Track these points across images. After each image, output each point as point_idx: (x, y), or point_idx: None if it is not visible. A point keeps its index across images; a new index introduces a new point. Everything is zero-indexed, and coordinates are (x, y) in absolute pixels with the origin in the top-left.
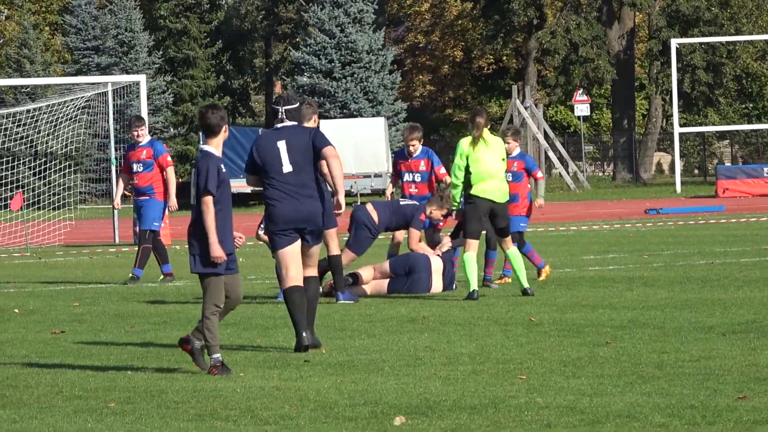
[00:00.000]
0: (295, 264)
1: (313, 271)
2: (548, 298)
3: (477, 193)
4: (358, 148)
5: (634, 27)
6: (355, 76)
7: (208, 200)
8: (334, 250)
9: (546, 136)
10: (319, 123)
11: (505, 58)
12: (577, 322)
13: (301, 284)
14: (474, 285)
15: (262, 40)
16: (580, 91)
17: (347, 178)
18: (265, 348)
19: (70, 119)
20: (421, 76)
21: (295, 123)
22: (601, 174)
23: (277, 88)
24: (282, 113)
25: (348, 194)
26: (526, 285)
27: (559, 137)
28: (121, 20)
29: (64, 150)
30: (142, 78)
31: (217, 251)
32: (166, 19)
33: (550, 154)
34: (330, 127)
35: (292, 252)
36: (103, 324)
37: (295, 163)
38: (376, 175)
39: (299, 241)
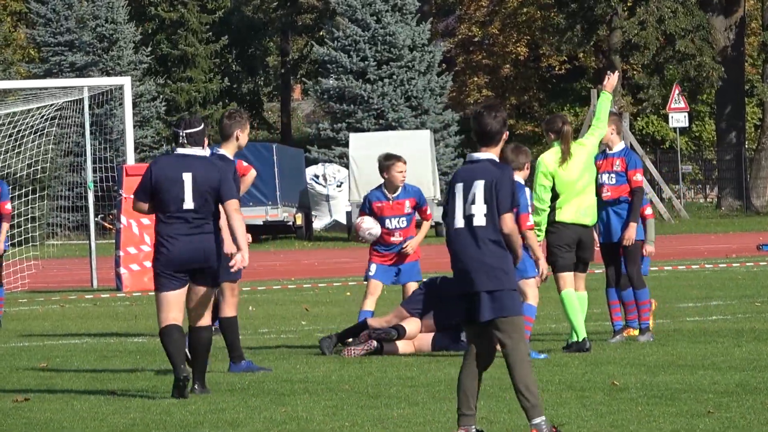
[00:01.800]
0: (178, 309)
1: (206, 321)
2: (635, 356)
3: (563, 219)
4: None
5: (744, 16)
6: (395, 77)
7: None
8: (228, 311)
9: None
10: (237, 139)
11: (581, 55)
12: (671, 387)
13: (180, 324)
14: (582, 331)
15: (278, 34)
16: (676, 95)
17: None
18: (281, 421)
19: (35, 132)
20: (476, 78)
21: (199, 149)
22: (702, 200)
23: (296, 94)
24: (183, 137)
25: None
26: (583, 334)
27: (651, 154)
28: (101, 9)
29: (27, 171)
30: (126, 81)
31: None
32: (158, 8)
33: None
34: (362, 142)
35: (176, 297)
36: (77, 390)
37: (198, 201)
38: None
39: (186, 287)
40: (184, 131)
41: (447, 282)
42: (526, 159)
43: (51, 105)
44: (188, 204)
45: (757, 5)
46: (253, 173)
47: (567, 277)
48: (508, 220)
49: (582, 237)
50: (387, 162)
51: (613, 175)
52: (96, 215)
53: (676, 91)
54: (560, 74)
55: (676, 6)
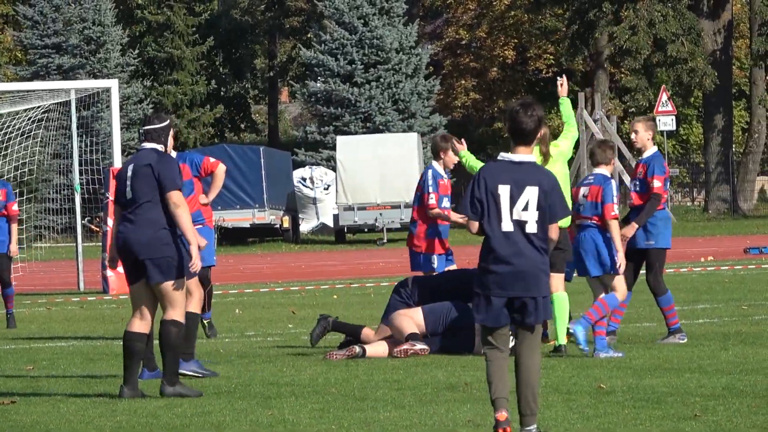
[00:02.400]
0: (139, 308)
1: (169, 315)
2: (621, 359)
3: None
4: (385, 171)
5: (731, 20)
6: (382, 80)
7: None
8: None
9: (620, 155)
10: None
11: (563, 58)
12: (657, 390)
13: (142, 332)
14: (562, 337)
15: (265, 37)
16: (664, 98)
17: (371, 209)
18: (268, 424)
19: (22, 135)
20: (463, 81)
21: (154, 145)
22: (689, 203)
23: (284, 97)
24: (142, 133)
25: (372, 229)
26: (562, 341)
27: (638, 158)
28: (89, 11)
29: (14, 173)
30: (113, 83)
31: None
32: (145, 10)
33: (626, 178)
34: (350, 145)
35: (135, 292)
36: (63, 391)
37: (135, 191)
38: (407, 206)
39: (143, 281)
40: (143, 127)
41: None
42: (612, 154)
43: (38, 107)
44: (129, 194)
45: (744, 8)
46: (222, 167)
47: (559, 278)
48: (556, 228)
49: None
50: (445, 143)
51: (637, 182)
52: (83, 218)
53: (664, 95)
54: (547, 77)
55: (666, 10)
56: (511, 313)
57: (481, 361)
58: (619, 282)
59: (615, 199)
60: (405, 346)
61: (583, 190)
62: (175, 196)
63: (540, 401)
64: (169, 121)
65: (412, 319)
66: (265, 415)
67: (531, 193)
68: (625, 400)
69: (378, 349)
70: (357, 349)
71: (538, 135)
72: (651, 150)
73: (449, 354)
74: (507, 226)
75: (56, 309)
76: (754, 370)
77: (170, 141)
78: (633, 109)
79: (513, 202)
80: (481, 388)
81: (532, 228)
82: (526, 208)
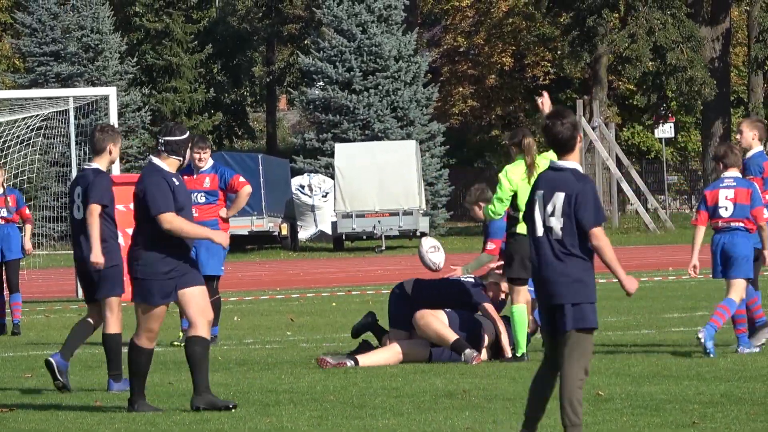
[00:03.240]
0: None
1: (107, 327)
2: (620, 366)
3: (524, 232)
4: (384, 178)
5: (729, 27)
6: (380, 88)
7: None
8: (109, 328)
9: (619, 163)
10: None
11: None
12: (656, 397)
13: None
14: (524, 346)
15: (263, 44)
16: (662, 107)
17: (370, 216)
18: (266, 431)
19: (21, 143)
20: (461, 88)
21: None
22: (688, 211)
23: (282, 104)
24: (162, 144)
25: (370, 236)
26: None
27: (636, 165)
28: (87, 19)
29: (13, 181)
30: (111, 91)
31: None
32: (143, 18)
33: (624, 185)
34: (348, 153)
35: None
36: (61, 400)
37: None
38: (406, 213)
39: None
40: (164, 137)
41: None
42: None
43: (37, 115)
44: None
45: (741, 16)
46: (247, 189)
47: (522, 291)
48: (596, 234)
49: None
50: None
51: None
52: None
53: (663, 108)
54: (545, 84)
55: (665, 18)
56: (552, 319)
57: (480, 369)
58: (737, 283)
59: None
60: (476, 359)
61: (725, 193)
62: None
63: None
64: (189, 134)
65: (442, 322)
66: (264, 422)
67: (559, 199)
68: (623, 407)
69: (373, 358)
70: (349, 363)
71: (578, 140)
72: (754, 150)
73: (448, 362)
74: (539, 231)
75: (54, 317)
76: (753, 378)
77: (188, 154)
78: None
79: (543, 207)
80: (479, 396)
81: (557, 234)
82: (553, 214)
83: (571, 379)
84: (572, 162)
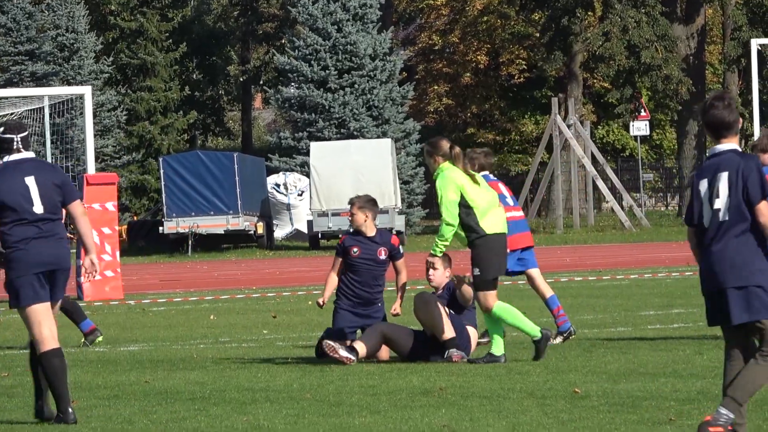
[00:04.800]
0: (49, 321)
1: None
2: (596, 364)
3: (488, 229)
4: (359, 177)
5: (704, 24)
6: (356, 86)
7: None
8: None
9: (594, 161)
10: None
11: (540, 63)
12: (632, 394)
13: (59, 346)
14: (501, 348)
15: (238, 43)
16: (636, 103)
17: (345, 215)
18: (243, 429)
19: None
20: (436, 87)
21: (33, 154)
22: (663, 208)
23: (257, 102)
24: (18, 142)
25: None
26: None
27: (611, 162)
28: (62, 18)
29: None
30: (87, 90)
31: None
32: (118, 17)
33: (600, 183)
34: (324, 151)
35: (44, 307)
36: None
37: (46, 204)
38: (381, 211)
39: (48, 295)
40: (19, 135)
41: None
42: None
43: (11, 114)
44: (38, 207)
45: (716, 13)
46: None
47: (494, 294)
48: (763, 209)
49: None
50: None
51: None
52: None
53: (635, 106)
54: (520, 83)
55: (639, 16)
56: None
57: (456, 367)
58: None
59: None
60: (456, 356)
61: None
62: (81, 206)
63: (503, 402)
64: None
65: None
66: (240, 420)
67: (722, 180)
68: (600, 404)
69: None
70: (351, 356)
71: (739, 123)
72: None
73: (423, 360)
74: (705, 220)
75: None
76: None
77: None
78: (619, 117)
79: (710, 193)
80: (455, 393)
81: (724, 215)
82: (718, 195)
83: (748, 376)
84: (731, 143)
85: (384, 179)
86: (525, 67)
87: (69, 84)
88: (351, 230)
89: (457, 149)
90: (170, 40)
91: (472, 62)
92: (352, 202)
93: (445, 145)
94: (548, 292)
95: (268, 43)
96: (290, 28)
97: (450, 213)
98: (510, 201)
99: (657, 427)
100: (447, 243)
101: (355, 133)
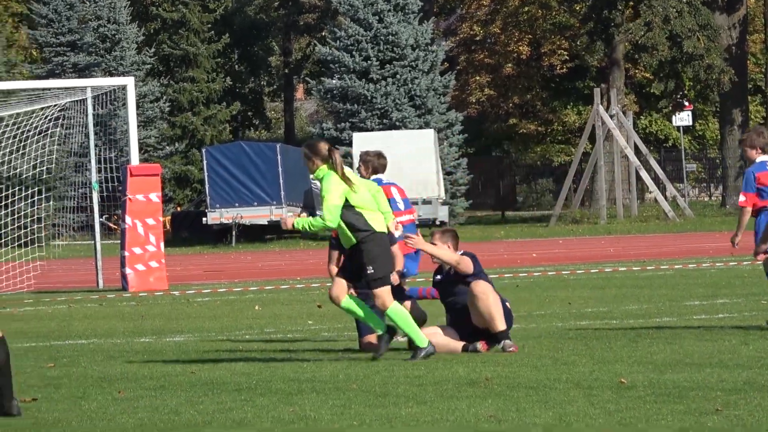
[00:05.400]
0: None
1: None
2: (642, 354)
3: (376, 227)
4: (402, 167)
5: (746, 14)
6: (398, 77)
7: None
8: None
9: (637, 151)
10: None
11: (582, 54)
12: (679, 385)
13: None
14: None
15: (280, 34)
16: (679, 95)
17: None
18: (289, 420)
19: (39, 133)
20: (478, 77)
21: None
22: (707, 199)
23: (299, 93)
24: None
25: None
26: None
27: (655, 153)
28: (103, 9)
29: (33, 172)
30: (129, 81)
31: None
32: (160, 8)
33: (643, 173)
34: (366, 142)
35: None
36: (84, 390)
37: None
38: (425, 202)
39: None
40: None
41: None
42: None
43: (54, 105)
44: None
45: (758, 3)
46: None
47: (388, 290)
48: None
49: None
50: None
51: None
52: (101, 216)
53: (680, 96)
54: (562, 73)
55: (681, 6)
56: None
57: (503, 357)
58: None
59: None
60: (513, 348)
61: None
62: None
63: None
64: None
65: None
66: (287, 411)
67: None
68: (646, 395)
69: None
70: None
71: None
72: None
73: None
74: None
75: (76, 307)
76: None
77: None
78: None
79: None
80: (501, 384)
81: None
82: None
83: None
84: None
85: (427, 170)
86: (567, 57)
87: (111, 75)
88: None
89: (336, 154)
90: (212, 32)
91: (514, 53)
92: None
93: (324, 148)
94: None
95: (309, 34)
96: (331, 19)
97: (333, 215)
98: (401, 205)
99: (703, 417)
100: (313, 230)
101: (397, 123)
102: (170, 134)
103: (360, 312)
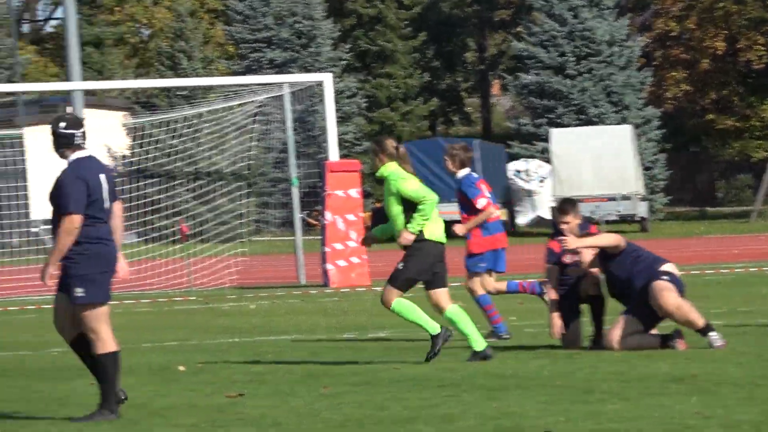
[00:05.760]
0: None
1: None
2: None
3: (428, 234)
4: (600, 163)
5: None
6: (594, 72)
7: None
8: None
9: None
10: None
11: None
12: None
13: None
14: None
15: (475, 30)
16: None
17: (587, 201)
18: (494, 416)
19: (237, 129)
20: (674, 73)
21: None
22: None
23: (495, 89)
24: (80, 137)
25: (589, 220)
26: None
27: None
28: (299, 5)
29: (231, 168)
30: (327, 77)
31: None
32: (355, 3)
33: None
34: (564, 138)
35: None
36: (290, 386)
37: (109, 201)
38: (624, 198)
39: None
40: (82, 130)
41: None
42: None
43: (252, 102)
44: (107, 203)
45: None
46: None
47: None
48: None
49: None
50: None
51: None
52: (301, 211)
53: None
54: (760, 69)
55: None
56: None
57: (708, 353)
58: None
59: None
60: (721, 343)
61: None
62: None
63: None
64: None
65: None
66: (491, 407)
67: None
68: None
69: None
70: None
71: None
72: None
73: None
74: None
75: (278, 302)
76: None
77: None
78: None
79: None
80: (707, 380)
81: None
82: None
83: None
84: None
85: (625, 165)
86: (764, 52)
87: (307, 71)
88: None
89: (402, 149)
90: (409, 28)
91: (710, 48)
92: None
93: (391, 145)
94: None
95: (504, 30)
96: (526, 15)
97: (425, 191)
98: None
99: None
100: (427, 215)
101: (594, 119)
102: (368, 130)
103: (410, 314)
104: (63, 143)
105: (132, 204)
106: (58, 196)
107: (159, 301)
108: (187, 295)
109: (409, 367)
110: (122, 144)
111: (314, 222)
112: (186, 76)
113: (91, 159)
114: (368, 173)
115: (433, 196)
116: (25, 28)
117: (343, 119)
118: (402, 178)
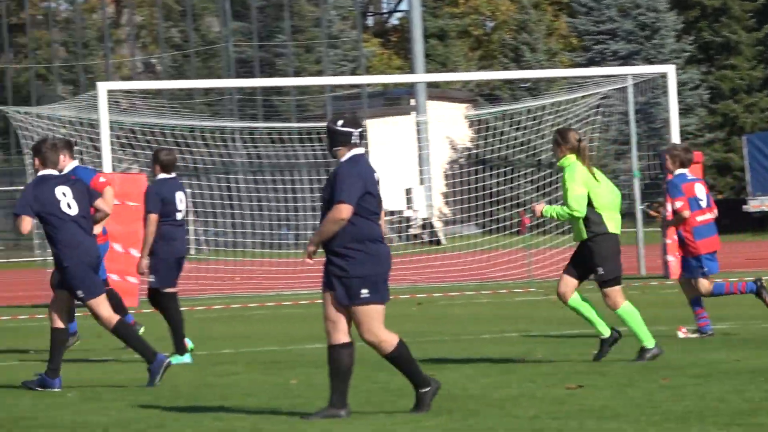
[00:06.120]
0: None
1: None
2: None
3: (610, 228)
4: None
5: None
6: None
7: None
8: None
9: None
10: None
11: None
12: None
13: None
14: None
15: None
16: None
17: None
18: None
19: (580, 121)
20: None
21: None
22: None
23: None
24: (357, 136)
25: None
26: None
27: None
28: None
29: None
30: (670, 69)
31: None
32: None
33: None
34: None
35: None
36: (629, 377)
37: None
38: None
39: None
40: (359, 131)
41: None
42: None
43: (595, 93)
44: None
45: None
46: (109, 190)
47: (619, 290)
48: None
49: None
50: None
51: None
52: (642, 203)
53: None
54: None
55: None
56: None
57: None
58: None
59: None
60: None
61: None
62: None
63: None
64: None
65: None
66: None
67: None
68: None
69: None
70: None
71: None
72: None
73: None
74: None
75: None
76: None
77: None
78: None
79: None
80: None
81: None
82: None
83: None
84: None
85: None
86: None
87: (650, 63)
88: None
89: (584, 143)
90: (753, 19)
91: None
92: None
93: (574, 137)
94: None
95: None
96: None
97: (579, 205)
98: (703, 203)
99: None
100: (560, 219)
101: None
102: (710, 121)
103: (586, 312)
104: (340, 141)
105: (473, 195)
106: (334, 185)
107: (499, 293)
108: (527, 287)
109: (750, 360)
110: (464, 135)
111: (654, 213)
112: (529, 68)
113: (366, 158)
114: (709, 165)
115: (579, 213)
116: (370, 21)
117: (685, 111)
118: (572, 180)
